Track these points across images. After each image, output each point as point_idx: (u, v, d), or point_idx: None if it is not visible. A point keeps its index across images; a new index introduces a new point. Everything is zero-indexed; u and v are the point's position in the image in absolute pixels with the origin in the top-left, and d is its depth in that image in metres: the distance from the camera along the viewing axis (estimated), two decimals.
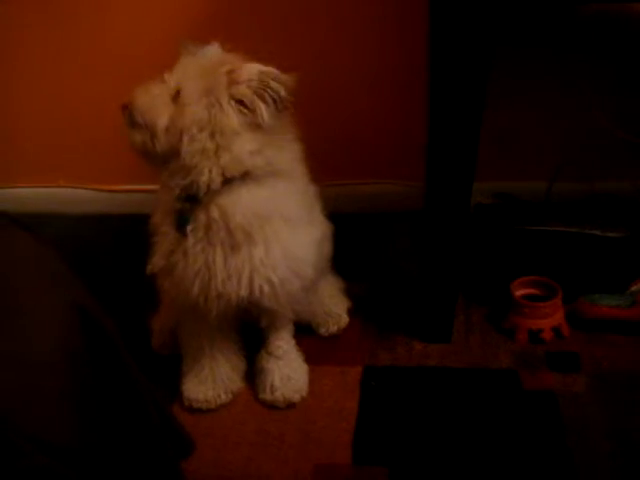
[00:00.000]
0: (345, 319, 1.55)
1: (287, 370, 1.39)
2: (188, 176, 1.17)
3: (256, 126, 1.15)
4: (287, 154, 1.23)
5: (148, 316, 1.54)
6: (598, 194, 1.69)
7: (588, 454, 1.25)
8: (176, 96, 1.16)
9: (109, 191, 2.01)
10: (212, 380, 1.37)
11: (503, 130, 1.74)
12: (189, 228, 1.21)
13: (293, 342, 1.43)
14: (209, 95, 1.14)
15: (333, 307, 1.54)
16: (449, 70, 1.23)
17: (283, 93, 1.13)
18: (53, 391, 0.78)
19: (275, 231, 1.22)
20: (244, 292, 1.22)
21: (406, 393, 1.40)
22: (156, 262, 1.27)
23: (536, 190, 1.72)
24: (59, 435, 0.76)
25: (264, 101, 1.13)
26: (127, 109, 1.18)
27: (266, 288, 1.23)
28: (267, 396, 1.38)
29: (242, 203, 1.19)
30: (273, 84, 1.12)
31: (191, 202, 1.20)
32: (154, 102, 1.17)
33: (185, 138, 1.14)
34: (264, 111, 1.13)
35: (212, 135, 1.14)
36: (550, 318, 1.48)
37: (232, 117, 1.14)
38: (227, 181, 1.17)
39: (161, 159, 1.19)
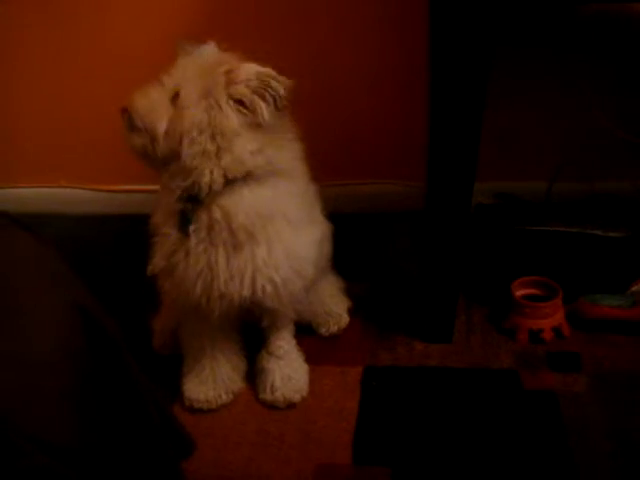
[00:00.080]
0: (345, 319, 1.55)
1: (288, 370, 1.39)
2: (189, 178, 1.17)
3: (256, 126, 1.15)
4: (287, 153, 1.22)
5: (149, 316, 1.54)
6: (599, 194, 1.69)
7: (589, 454, 1.25)
8: (175, 98, 1.16)
9: (109, 191, 2.01)
10: (213, 380, 1.37)
11: (503, 130, 1.74)
12: (191, 228, 1.21)
13: (294, 342, 1.43)
14: (208, 97, 1.13)
15: (334, 307, 1.54)
16: (450, 70, 1.23)
17: (282, 92, 1.13)
18: (53, 391, 0.78)
19: (277, 231, 1.22)
20: (247, 292, 1.22)
21: (407, 393, 1.40)
22: (157, 263, 1.27)
23: (537, 190, 1.73)
24: (59, 435, 0.76)
25: (264, 100, 1.13)
26: (126, 113, 1.18)
27: (268, 288, 1.23)
28: (267, 396, 1.38)
29: (244, 203, 1.19)
30: (272, 83, 1.12)
31: (193, 202, 1.20)
32: (153, 105, 1.17)
33: (185, 141, 1.14)
34: (264, 110, 1.13)
35: (212, 137, 1.14)
36: (551, 318, 1.48)
37: (232, 118, 1.13)
38: (229, 182, 1.17)
39: (161, 162, 1.19)
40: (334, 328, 1.54)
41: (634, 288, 1.50)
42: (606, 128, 1.66)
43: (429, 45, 1.52)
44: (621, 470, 1.22)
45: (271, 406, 1.38)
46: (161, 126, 1.16)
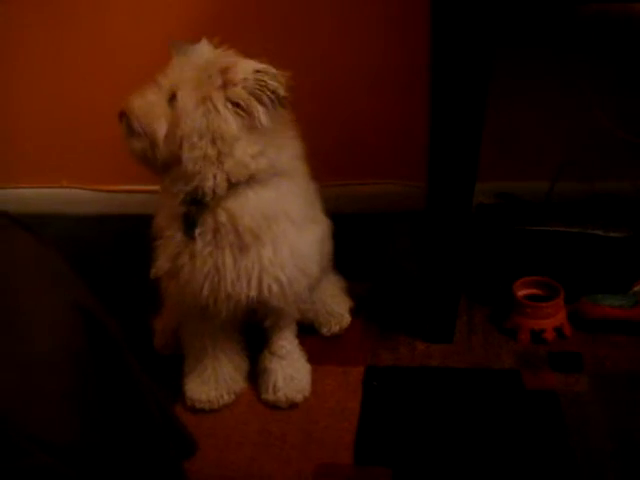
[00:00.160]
0: (347, 319, 1.55)
1: (290, 370, 1.39)
2: (191, 182, 1.16)
3: (255, 128, 1.14)
4: (288, 153, 1.22)
5: (150, 316, 1.54)
6: (600, 194, 1.69)
7: (590, 454, 1.25)
8: (172, 99, 1.15)
9: (110, 191, 2.01)
10: (215, 380, 1.37)
11: (504, 130, 1.74)
12: (197, 232, 1.20)
13: (296, 342, 1.43)
14: (205, 101, 1.12)
15: (335, 307, 1.54)
16: (451, 70, 1.23)
17: (281, 92, 1.12)
18: (54, 391, 0.78)
19: (282, 231, 1.22)
20: (254, 292, 1.22)
21: (408, 393, 1.40)
22: (161, 265, 1.27)
23: (537, 190, 1.72)
24: (60, 435, 0.76)
25: (261, 102, 1.11)
26: (124, 117, 1.17)
27: (275, 287, 1.23)
28: (270, 396, 1.38)
29: (249, 205, 1.18)
30: (270, 83, 1.11)
31: (197, 205, 1.19)
32: (151, 109, 1.16)
33: (185, 145, 1.13)
34: (261, 114, 1.12)
35: (213, 142, 1.13)
36: (552, 318, 1.48)
37: (230, 122, 1.12)
38: (232, 185, 1.17)
39: (162, 166, 1.19)
40: (336, 328, 1.54)
41: (636, 288, 1.50)
42: (606, 128, 1.66)
43: (430, 45, 1.52)
44: (622, 470, 1.22)
45: (273, 406, 1.38)
46: (161, 129, 1.15)
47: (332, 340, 1.54)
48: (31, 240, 0.90)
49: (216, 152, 1.13)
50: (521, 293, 1.52)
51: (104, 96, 1.58)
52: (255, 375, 1.43)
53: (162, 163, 1.18)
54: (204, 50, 1.19)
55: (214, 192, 1.16)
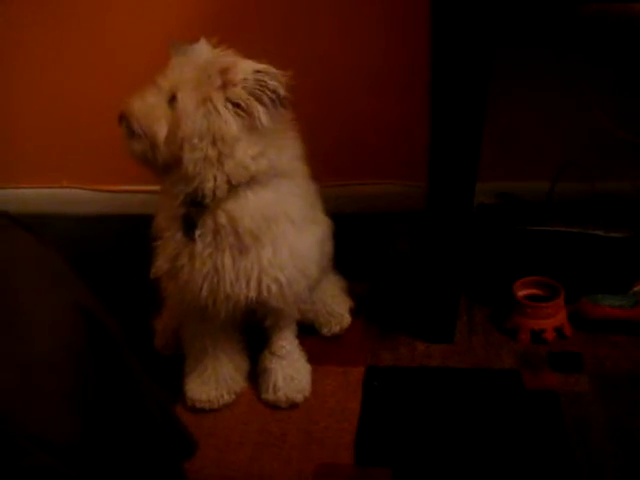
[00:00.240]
0: (347, 319, 1.55)
1: (290, 370, 1.39)
2: (192, 184, 1.16)
3: (256, 128, 1.13)
4: (288, 153, 1.22)
5: (151, 316, 1.54)
6: (600, 194, 1.69)
7: (590, 454, 1.25)
8: (172, 100, 1.14)
9: (111, 192, 2.01)
10: (215, 380, 1.37)
11: (504, 130, 1.74)
12: (197, 233, 1.20)
13: (296, 342, 1.43)
14: (206, 102, 1.11)
15: (335, 307, 1.54)
16: (451, 70, 1.23)
17: (282, 92, 1.11)
18: (54, 391, 0.78)
19: (282, 231, 1.22)
20: (253, 293, 1.22)
21: (408, 393, 1.40)
22: (160, 265, 1.27)
23: (538, 190, 1.72)
24: (61, 435, 0.76)
25: (261, 103, 1.11)
26: (124, 119, 1.17)
27: (274, 288, 1.23)
28: (270, 396, 1.38)
29: (249, 207, 1.18)
30: (271, 83, 1.10)
31: (197, 207, 1.19)
32: (151, 111, 1.15)
33: (186, 147, 1.13)
34: (262, 114, 1.11)
35: (213, 143, 1.12)
36: (552, 318, 1.48)
37: (231, 123, 1.11)
38: (232, 186, 1.16)
39: (162, 167, 1.19)
40: (336, 328, 1.54)
41: (636, 288, 1.50)
42: (606, 128, 1.66)
43: (430, 45, 1.52)
44: (622, 470, 1.22)
45: (273, 406, 1.39)
46: (161, 131, 1.15)
47: (332, 340, 1.54)
48: (31, 240, 0.90)
49: (217, 153, 1.13)
50: (521, 293, 1.52)
51: (104, 96, 1.58)
52: (255, 375, 1.43)
53: (163, 164, 1.18)
54: (203, 50, 1.18)
55: (214, 194, 1.16)
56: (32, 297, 0.82)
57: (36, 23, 1.81)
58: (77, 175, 2.01)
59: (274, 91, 1.11)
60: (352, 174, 1.94)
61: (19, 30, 1.81)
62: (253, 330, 1.41)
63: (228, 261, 1.20)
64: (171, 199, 1.21)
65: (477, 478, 1.23)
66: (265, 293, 1.23)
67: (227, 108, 1.11)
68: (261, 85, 1.10)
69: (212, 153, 1.13)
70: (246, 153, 1.14)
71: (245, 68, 1.12)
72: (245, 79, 1.11)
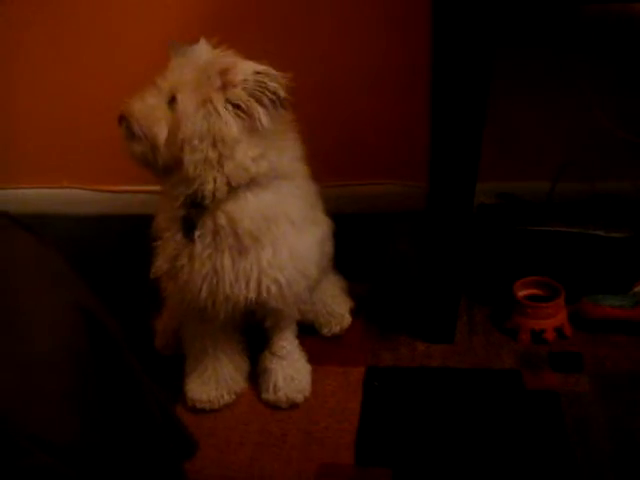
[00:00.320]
0: (348, 319, 1.55)
1: (290, 370, 1.39)
2: (192, 185, 1.15)
3: (256, 130, 1.13)
4: (289, 155, 1.22)
5: (151, 317, 1.54)
6: (600, 194, 1.69)
7: (591, 454, 1.25)
8: (172, 102, 1.14)
9: (111, 192, 2.01)
10: (215, 380, 1.37)
11: (504, 130, 1.74)
12: (197, 234, 1.20)
13: (296, 342, 1.43)
14: (206, 104, 1.11)
15: (336, 307, 1.53)
16: (451, 71, 1.23)
17: (282, 93, 1.11)
18: (55, 391, 0.78)
19: (282, 233, 1.22)
20: (252, 294, 1.22)
21: (409, 394, 1.40)
22: (160, 266, 1.27)
23: (538, 190, 1.72)
24: (61, 435, 0.76)
25: (261, 104, 1.11)
26: (124, 121, 1.17)
27: (273, 289, 1.23)
28: (270, 396, 1.38)
29: (249, 208, 1.18)
30: (270, 84, 1.10)
31: (196, 208, 1.19)
32: (151, 112, 1.15)
33: (186, 148, 1.13)
34: (262, 115, 1.11)
35: (214, 144, 1.12)
36: (553, 318, 1.48)
37: (231, 125, 1.11)
38: (232, 188, 1.16)
39: (163, 169, 1.18)
40: (336, 328, 1.54)
41: (636, 288, 1.50)
42: (607, 128, 1.66)
43: (431, 45, 1.52)
44: (622, 470, 1.22)
45: (274, 406, 1.39)
46: (161, 133, 1.14)
47: (332, 340, 1.54)
48: (32, 240, 0.90)
49: (217, 155, 1.13)
50: (522, 293, 1.52)
51: (104, 96, 1.58)
52: (255, 375, 1.43)
53: (163, 166, 1.18)
54: (203, 51, 1.18)
55: (214, 195, 1.16)
56: (32, 297, 0.83)
57: (36, 23, 1.81)
58: (77, 175, 2.01)
59: (274, 92, 1.11)
60: (352, 174, 1.94)
61: (19, 30, 1.81)
62: (253, 330, 1.41)
63: (227, 262, 1.20)
64: (171, 200, 1.21)
65: (477, 478, 1.23)
66: (264, 294, 1.23)
67: (227, 109, 1.11)
68: (261, 86, 1.10)
69: (212, 155, 1.13)
70: (246, 155, 1.14)
71: (245, 69, 1.11)
72: (245, 80, 1.10)
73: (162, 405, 1.03)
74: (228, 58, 1.15)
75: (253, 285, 1.22)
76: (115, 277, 1.72)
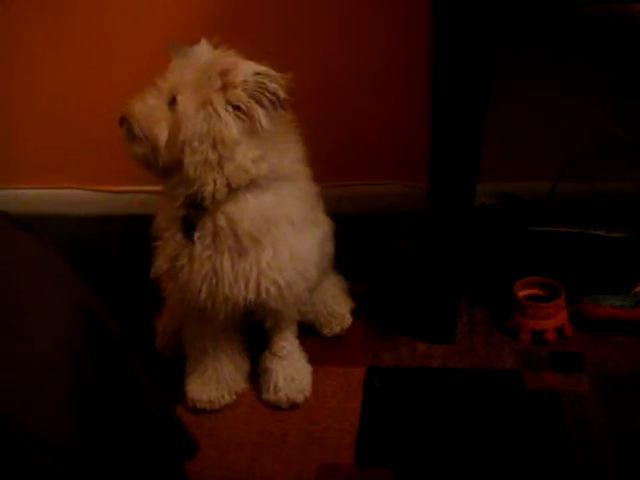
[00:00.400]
0: (348, 319, 1.55)
1: (291, 370, 1.39)
2: (192, 187, 1.15)
3: (256, 132, 1.13)
4: (290, 157, 1.22)
5: (151, 317, 1.54)
6: (601, 194, 1.68)
7: (591, 454, 1.25)
8: (172, 103, 1.14)
9: (112, 192, 2.01)
10: (216, 381, 1.37)
11: (505, 131, 1.74)
12: (196, 235, 1.20)
13: (297, 343, 1.43)
14: (206, 105, 1.11)
15: (336, 307, 1.53)
16: (452, 71, 1.23)
17: (282, 94, 1.11)
18: (55, 391, 0.78)
19: (282, 234, 1.22)
20: (251, 295, 1.22)
21: (409, 394, 1.40)
22: (160, 266, 1.27)
23: (538, 190, 1.72)
24: (61, 435, 0.76)
25: (262, 105, 1.10)
26: (125, 122, 1.17)
27: (273, 290, 1.23)
28: (270, 396, 1.38)
29: (249, 210, 1.18)
30: (270, 85, 1.10)
31: (196, 209, 1.19)
32: (152, 113, 1.15)
33: (187, 150, 1.13)
34: (262, 116, 1.11)
35: (214, 146, 1.12)
36: (553, 319, 1.48)
37: (231, 126, 1.11)
38: (232, 189, 1.16)
39: (163, 170, 1.18)
40: (337, 329, 1.54)
41: (637, 289, 1.50)
42: (607, 128, 1.66)
43: (431, 45, 1.52)
44: (622, 470, 1.22)
45: (274, 406, 1.39)
46: (162, 134, 1.14)
47: (333, 341, 1.53)
48: (32, 241, 0.90)
49: (217, 156, 1.13)
50: (522, 293, 1.52)
51: (104, 96, 1.59)
52: (256, 375, 1.43)
53: (163, 167, 1.18)
54: (203, 51, 1.18)
55: (214, 197, 1.16)
56: (33, 297, 0.83)
57: (36, 23, 1.81)
58: (78, 175, 2.01)
59: (274, 93, 1.10)
60: (353, 174, 1.93)
61: (19, 30, 1.81)
62: (254, 331, 1.41)
63: (227, 263, 1.20)
64: (171, 200, 1.21)
65: (477, 478, 1.23)
66: (264, 295, 1.23)
67: (227, 111, 1.11)
68: (261, 87, 1.10)
69: (212, 156, 1.13)
70: (246, 156, 1.14)
71: (245, 70, 1.11)
72: (245, 81, 1.10)
73: (162, 405, 1.03)
74: (229, 58, 1.15)
75: (252, 286, 1.21)
76: (115, 277, 1.72)
